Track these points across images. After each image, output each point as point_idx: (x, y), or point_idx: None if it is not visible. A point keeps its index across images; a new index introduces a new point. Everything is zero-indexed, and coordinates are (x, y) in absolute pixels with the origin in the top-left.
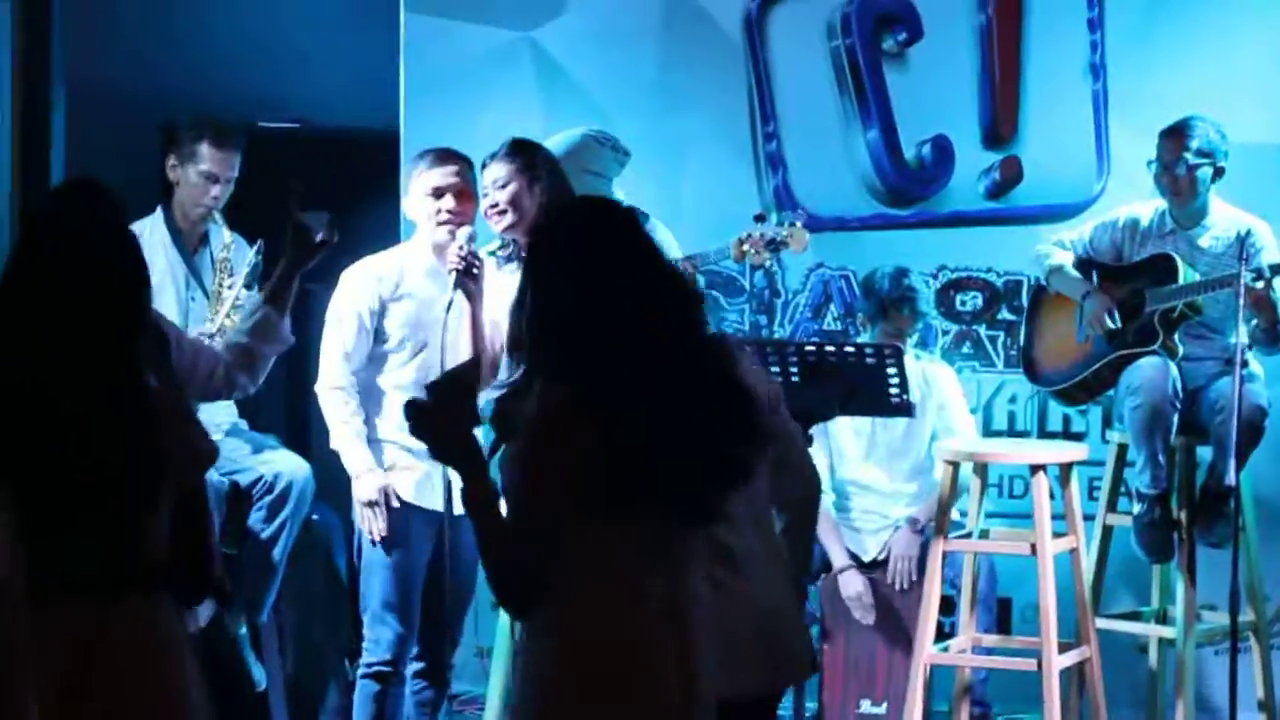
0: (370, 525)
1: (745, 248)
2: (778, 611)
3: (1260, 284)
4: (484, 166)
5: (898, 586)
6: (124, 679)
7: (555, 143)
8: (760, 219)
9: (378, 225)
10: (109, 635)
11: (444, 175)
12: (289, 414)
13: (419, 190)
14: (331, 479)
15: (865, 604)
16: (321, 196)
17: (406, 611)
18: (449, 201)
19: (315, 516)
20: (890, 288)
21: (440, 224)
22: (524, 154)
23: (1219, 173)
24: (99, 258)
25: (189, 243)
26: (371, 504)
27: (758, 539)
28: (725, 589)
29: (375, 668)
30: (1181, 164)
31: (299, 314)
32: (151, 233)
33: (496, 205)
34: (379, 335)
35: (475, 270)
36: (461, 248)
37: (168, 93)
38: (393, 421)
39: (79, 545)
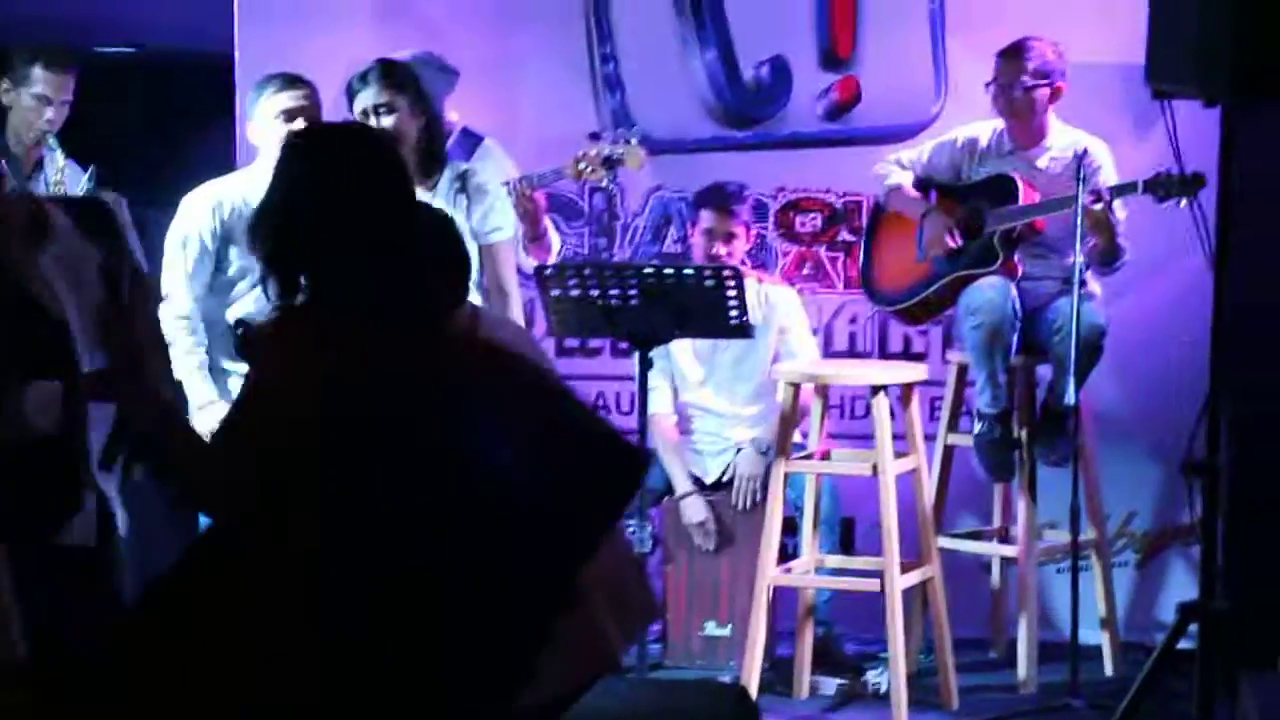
0: None
1: (582, 166)
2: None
3: (1099, 206)
4: (353, 93)
5: (740, 507)
6: None
7: None
8: (595, 137)
9: (212, 149)
10: None
11: (294, 98)
12: None
13: (267, 113)
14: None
15: (708, 530)
16: (156, 120)
17: None
18: (300, 124)
19: None
20: (702, 190)
21: None
22: (400, 77)
23: (1056, 93)
24: None
25: (23, 167)
26: None
27: None
28: None
29: None
30: (1019, 86)
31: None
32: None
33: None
34: (220, 263)
35: None
36: None
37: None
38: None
39: None
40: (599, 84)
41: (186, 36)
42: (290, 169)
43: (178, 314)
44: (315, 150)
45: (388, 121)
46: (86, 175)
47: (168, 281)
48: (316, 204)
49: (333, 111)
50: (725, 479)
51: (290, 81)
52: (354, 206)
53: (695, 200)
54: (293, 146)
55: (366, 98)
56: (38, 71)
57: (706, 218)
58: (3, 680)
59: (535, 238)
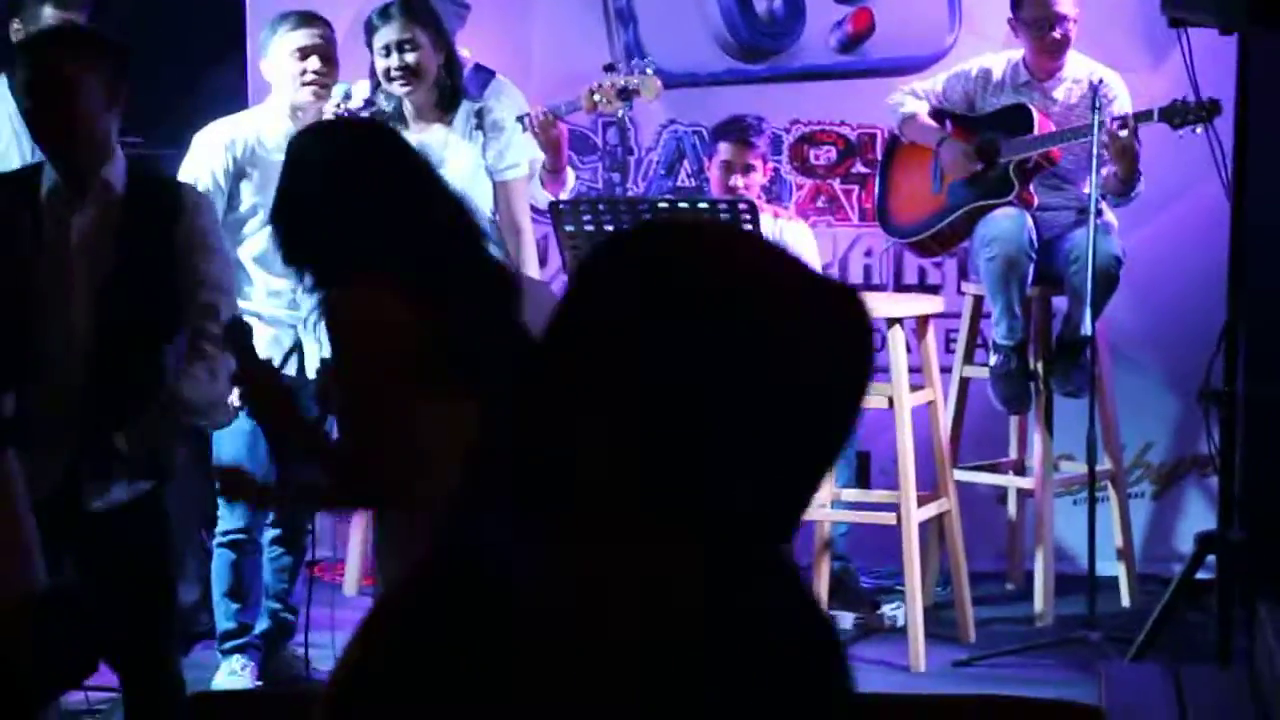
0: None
1: (596, 98)
2: None
3: (1124, 132)
4: (373, 28)
5: None
6: None
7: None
8: (610, 68)
9: (224, 88)
10: None
11: (309, 36)
12: None
13: (282, 51)
14: None
15: None
16: (168, 58)
17: (259, 477)
18: (315, 62)
19: None
20: (720, 122)
21: (305, 84)
22: (421, 12)
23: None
24: None
25: None
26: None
27: None
28: None
29: (230, 536)
30: (1060, 25)
31: None
32: None
33: (406, 67)
34: (231, 199)
35: None
36: (339, 105)
37: None
38: (258, 291)
39: None
40: (611, 18)
41: None
42: (308, 166)
43: None
44: (331, 146)
45: (410, 58)
46: None
47: None
48: (338, 196)
49: (344, 51)
50: None
51: (305, 19)
52: (377, 193)
53: (713, 133)
54: (307, 143)
55: (388, 33)
56: (48, 10)
57: (724, 150)
58: (22, 613)
59: (555, 170)
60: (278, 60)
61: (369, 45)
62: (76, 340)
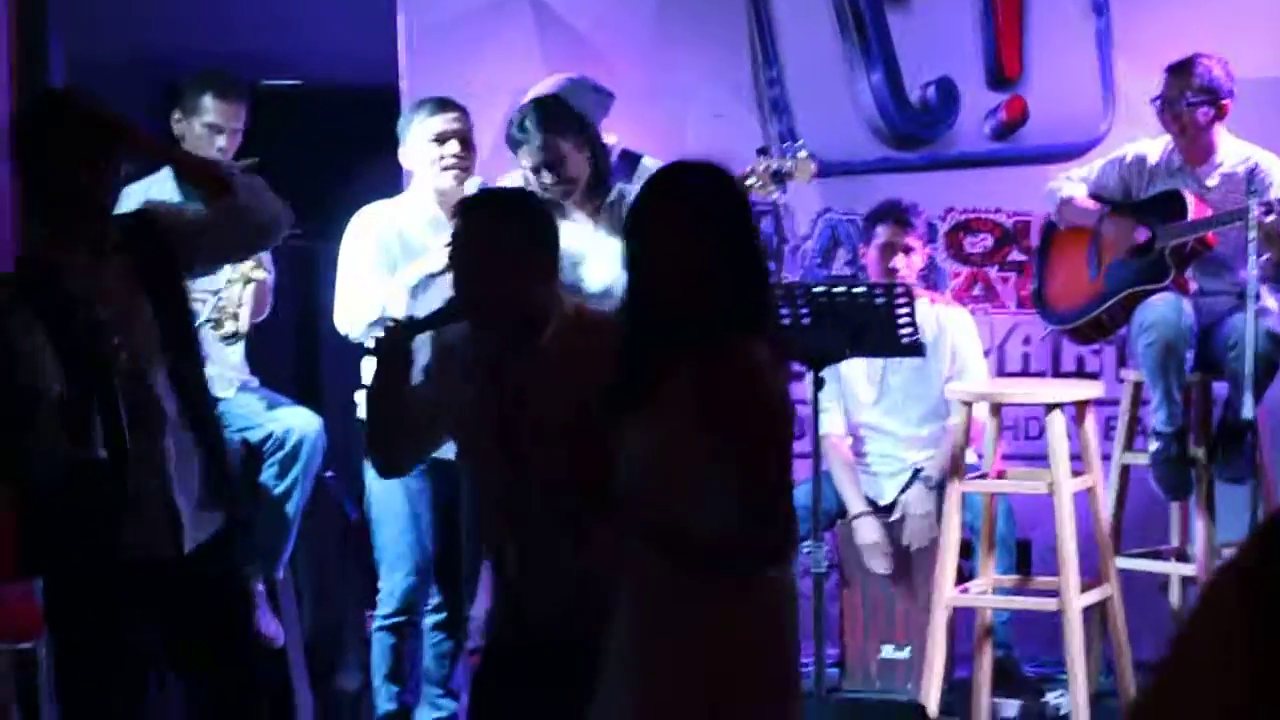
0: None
1: (751, 181)
2: None
3: (1271, 218)
4: (516, 143)
5: (914, 546)
6: None
7: (536, 92)
8: (763, 151)
9: (379, 180)
10: None
11: (447, 121)
12: (299, 371)
13: (420, 137)
14: (336, 440)
15: (883, 552)
16: (324, 153)
17: (419, 562)
18: (453, 146)
19: (329, 473)
20: (876, 206)
21: (445, 169)
22: (562, 117)
23: (1222, 110)
24: None
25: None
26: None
27: None
28: None
29: (390, 619)
30: (1182, 101)
31: (304, 272)
32: (159, 189)
33: (558, 181)
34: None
35: None
36: None
37: (168, 57)
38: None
39: None
40: (765, 107)
41: (351, 70)
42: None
43: (370, 319)
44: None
45: (560, 172)
46: None
47: (349, 292)
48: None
49: (491, 136)
50: (898, 514)
51: (441, 104)
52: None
53: (870, 217)
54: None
55: (532, 154)
56: (208, 100)
57: (883, 232)
58: None
59: None
60: (417, 145)
61: (515, 156)
62: None
